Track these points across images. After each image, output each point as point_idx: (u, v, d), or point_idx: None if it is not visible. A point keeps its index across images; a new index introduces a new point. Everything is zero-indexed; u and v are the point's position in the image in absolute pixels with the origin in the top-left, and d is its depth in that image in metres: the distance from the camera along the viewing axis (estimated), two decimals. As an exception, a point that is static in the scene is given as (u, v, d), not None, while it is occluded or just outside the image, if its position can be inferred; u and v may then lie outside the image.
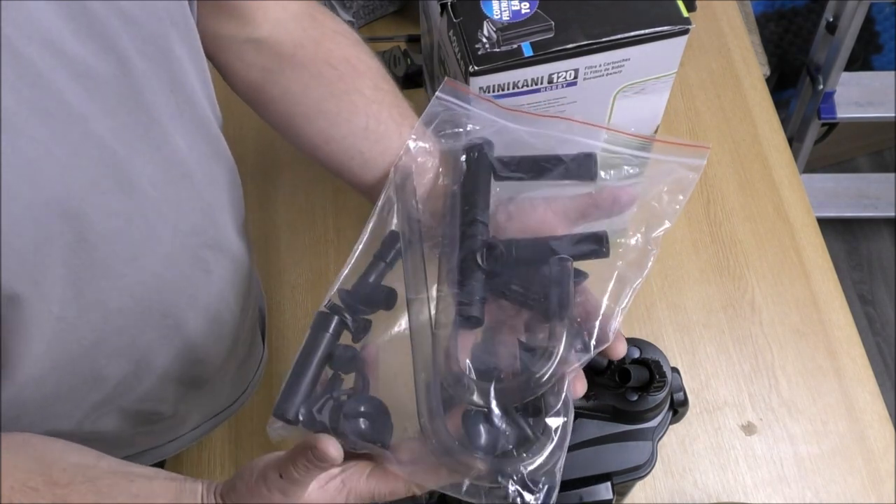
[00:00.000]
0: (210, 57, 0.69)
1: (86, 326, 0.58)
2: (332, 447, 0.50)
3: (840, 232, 2.09)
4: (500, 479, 0.51)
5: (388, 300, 0.60)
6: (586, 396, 0.63)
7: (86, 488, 0.54)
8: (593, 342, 0.56)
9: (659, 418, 0.65)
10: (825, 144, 1.88)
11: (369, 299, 0.60)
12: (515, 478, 0.51)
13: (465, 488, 0.53)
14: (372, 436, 0.54)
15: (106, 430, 0.70)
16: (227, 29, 0.70)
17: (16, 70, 0.47)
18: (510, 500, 0.51)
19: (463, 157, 0.65)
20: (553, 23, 0.73)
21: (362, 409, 0.54)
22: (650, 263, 0.59)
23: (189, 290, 0.67)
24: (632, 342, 0.64)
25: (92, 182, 0.53)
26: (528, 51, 0.72)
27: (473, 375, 0.55)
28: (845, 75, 1.69)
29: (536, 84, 0.75)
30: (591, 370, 0.61)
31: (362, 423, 0.54)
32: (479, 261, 0.58)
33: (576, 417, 0.64)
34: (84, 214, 0.53)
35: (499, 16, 0.73)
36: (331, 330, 0.58)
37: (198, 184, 0.64)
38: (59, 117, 0.50)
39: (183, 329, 0.68)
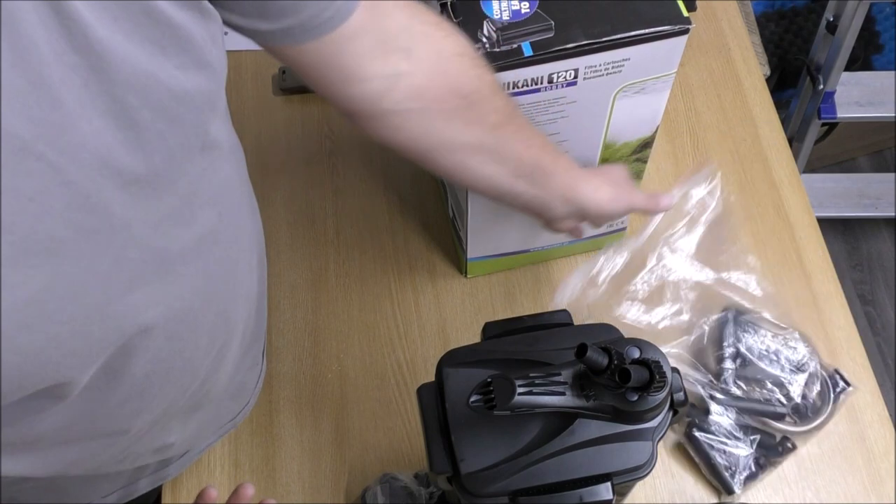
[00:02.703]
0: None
1: (114, 392, 0.60)
2: None
3: (840, 232, 2.09)
4: None
5: None
6: (586, 396, 0.63)
7: None
8: None
9: (659, 418, 0.65)
10: (825, 144, 1.88)
11: None
12: None
13: None
14: None
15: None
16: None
17: (66, 196, 0.47)
18: None
19: None
20: (553, 22, 0.73)
21: None
22: None
23: (207, 344, 0.68)
24: (632, 342, 0.64)
25: (132, 280, 0.54)
26: (527, 50, 0.72)
27: None
28: (845, 75, 1.69)
29: (536, 84, 0.75)
30: (591, 370, 0.61)
31: None
32: None
33: (576, 417, 0.64)
34: (126, 320, 0.55)
35: (498, 15, 0.73)
36: None
37: (226, 245, 0.65)
38: (104, 232, 0.50)
39: (198, 374, 0.70)
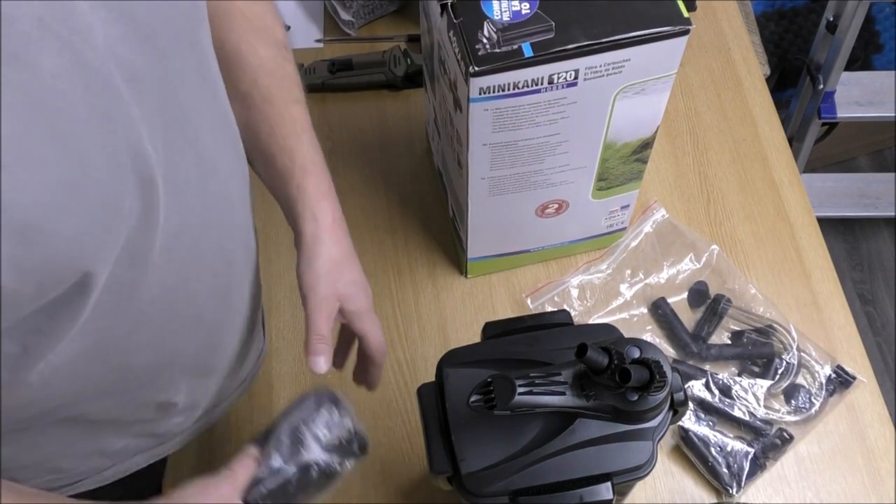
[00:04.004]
0: None
1: (123, 315, 0.60)
2: None
3: (840, 232, 2.09)
4: None
5: None
6: (586, 396, 0.63)
7: None
8: None
9: (659, 418, 0.65)
10: (825, 144, 1.88)
11: None
12: None
13: None
14: None
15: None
16: None
17: (84, 78, 0.47)
18: None
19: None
20: (553, 23, 0.73)
21: None
22: None
23: (211, 280, 0.69)
24: (632, 342, 0.64)
25: (137, 182, 0.54)
26: (528, 51, 0.72)
27: None
28: (845, 75, 1.69)
29: (537, 85, 0.75)
30: (591, 370, 0.61)
31: None
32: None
33: (576, 417, 0.64)
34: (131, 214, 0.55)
35: (499, 16, 0.73)
36: None
37: (222, 178, 0.66)
38: (118, 121, 0.51)
39: (204, 319, 0.70)
